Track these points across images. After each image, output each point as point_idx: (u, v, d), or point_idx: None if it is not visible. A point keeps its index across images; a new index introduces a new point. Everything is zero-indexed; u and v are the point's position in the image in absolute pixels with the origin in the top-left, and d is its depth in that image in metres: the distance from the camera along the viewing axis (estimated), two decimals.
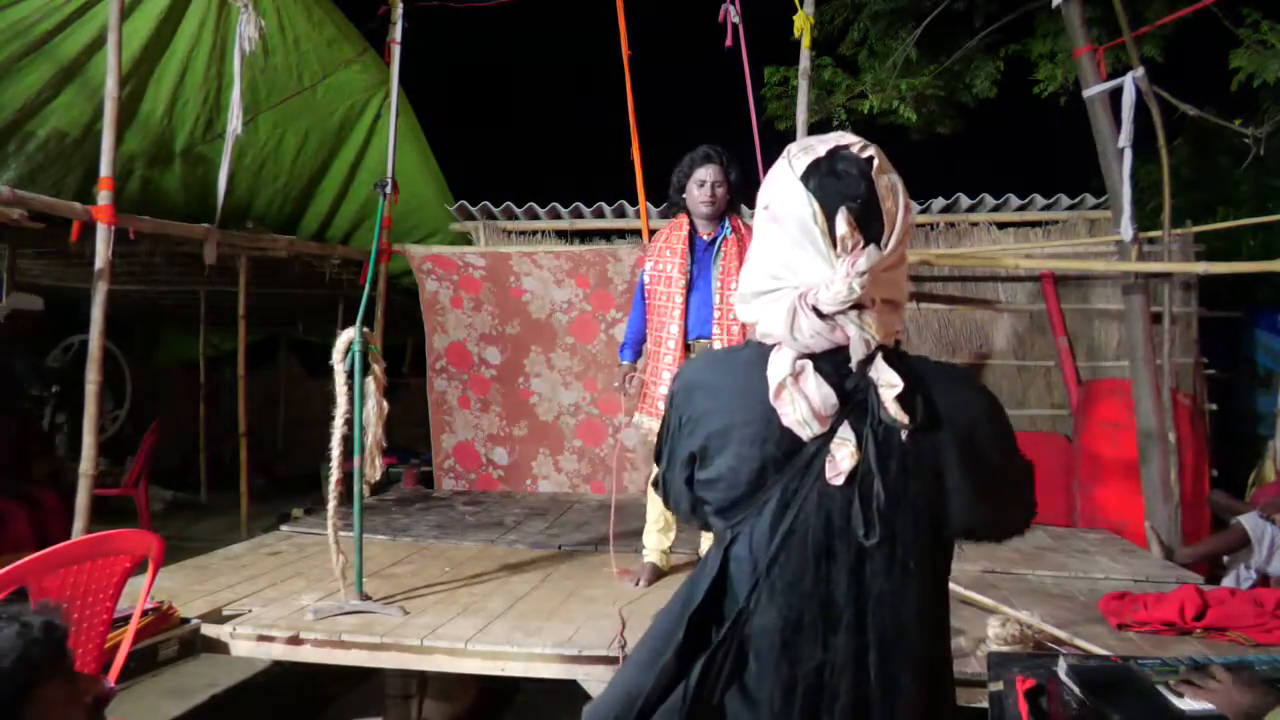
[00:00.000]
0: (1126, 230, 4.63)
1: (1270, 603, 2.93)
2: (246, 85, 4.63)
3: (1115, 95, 4.56)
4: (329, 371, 3.03)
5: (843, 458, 1.14)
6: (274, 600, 3.21)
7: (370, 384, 3.04)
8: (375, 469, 3.10)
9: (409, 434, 7.68)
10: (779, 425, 1.17)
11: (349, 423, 2.99)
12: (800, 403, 1.15)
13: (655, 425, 3.34)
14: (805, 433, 1.15)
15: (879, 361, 1.15)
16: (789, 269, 1.21)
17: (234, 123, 4.47)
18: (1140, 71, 4.50)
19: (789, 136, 5.25)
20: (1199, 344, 5.41)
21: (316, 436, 3.61)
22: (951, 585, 3.33)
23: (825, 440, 1.16)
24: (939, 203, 5.70)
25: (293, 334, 10.44)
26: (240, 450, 6.27)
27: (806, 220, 1.18)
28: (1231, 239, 7.08)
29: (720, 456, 1.21)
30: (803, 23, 4.73)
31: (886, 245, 1.17)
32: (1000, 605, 3.09)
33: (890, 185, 1.21)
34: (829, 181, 1.19)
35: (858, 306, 1.16)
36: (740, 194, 3.57)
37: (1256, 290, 6.87)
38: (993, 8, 7.15)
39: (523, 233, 6.09)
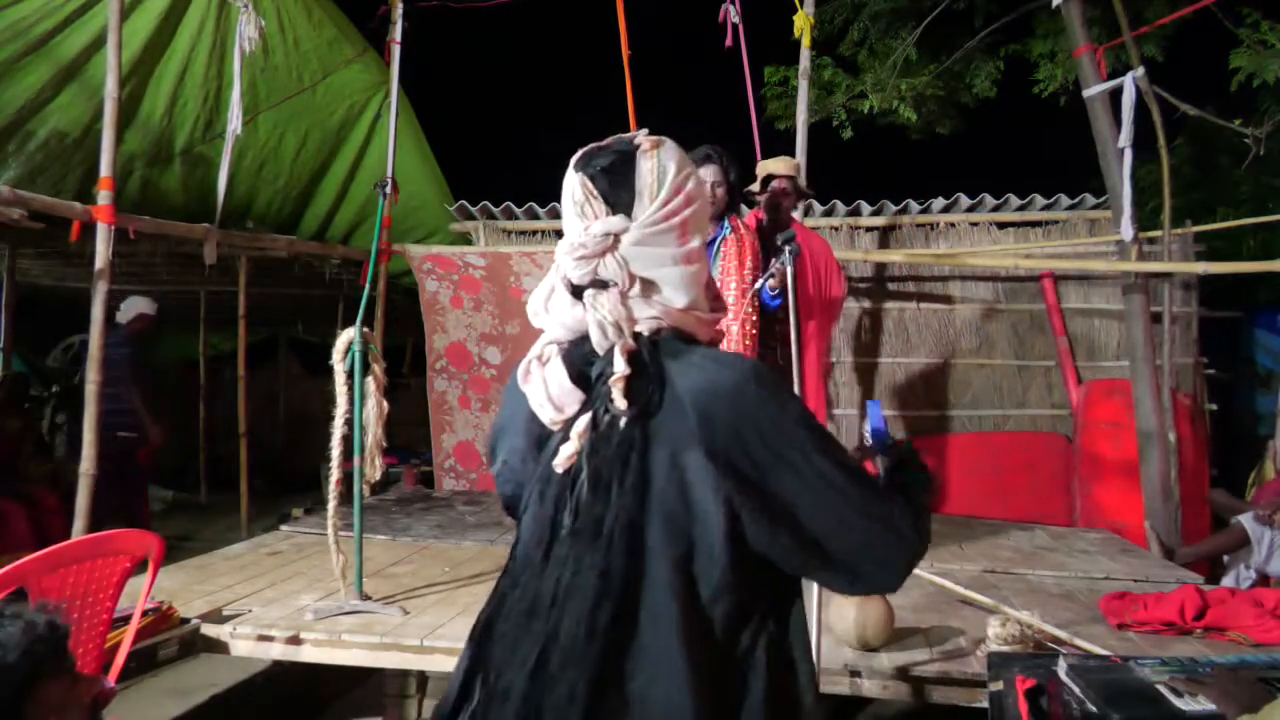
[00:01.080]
0: (1126, 230, 4.63)
1: (1270, 603, 2.93)
2: (246, 85, 4.63)
3: (1115, 95, 4.56)
4: (329, 371, 3.03)
5: (567, 445, 1.09)
6: (274, 600, 3.21)
7: (370, 384, 3.04)
8: (375, 469, 3.10)
9: (409, 434, 7.68)
10: (537, 420, 1.16)
11: (349, 423, 2.99)
12: (539, 388, 1.13)
13: None
14: (545, 418, 1.14)
15: (619, 350, 1.09)
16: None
17: (234, 123, 4.47)
18: (1140, 71, 4.50)
19: (789, 136, 5.25)
20: (1199, 344, 5.41)
21: (316, 436, 3.61)
22: (951, 585, 3.34)
23: (568, 428, 1.12)
24: (939, 203, 5.70)
25: (293, 334, 10.44)
26: (240, 450, 6.27)
27: (567, 196, 1.19)
28: (1231, 239, 7.09)
29: (500, 448, 1.24)
30: (803, 23, 4.74)
31: (637, 217, 1.13)
32: (1000, 605, 3.09)
33: (658, 166, 1.15)
34: (589, 161, 1.18)
35: (601, 286, 1.12)
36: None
37: (1256, 290, 6.88)
38: (993, 8, 7.15)
39: (523, 233, 6.09)
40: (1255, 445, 5.97)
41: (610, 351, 1.10)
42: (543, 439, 1.15)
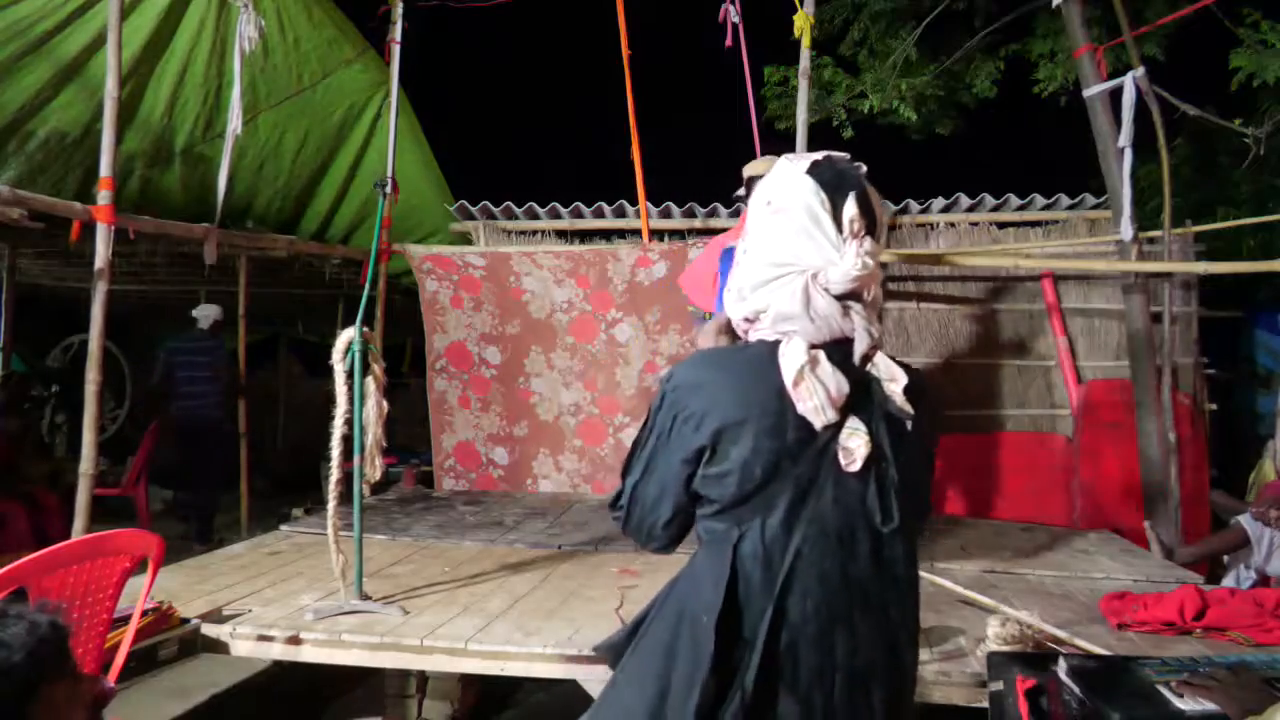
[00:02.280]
0: (1126, 230, 4.63)
1: (1270, 603, 2.93)
2: (246, 85, 4.63)
3: (1115, 95, 4.56)
4: (329, 371, 3.03)
5: (856, 446, 1.19)
6: (274, 600, 3.20)
7: (370, 384, 3.04)
8: (375, 469, 3.10)
9: (409, 434, 7.68)
10: (794, 414, 1.20)
11: (349, 423, 2.99)
12: (818, 389, 1.18)
13: None
14: (819, 420, 1.19)
15: (880, 355, 1.22)
16: (795, 255, 1.27)
17: (234, 122, 4.47)
18: (1140, 71, 4.50)
19: (789, 136, 5.25)
20: (1199, 344, 5.40)
21: (316, 436, 3.61)
22: (951, 585, 3.34)
23: (836, 430, 1.21)
24: (939, 203, 5.70)
25: (293, 334, 10.44)
26: (240, 450, 6.27)
27: (815, 206, 1.27)
28: (1231, 239, 7.09)
29: (735, 448, 1.21)
30: (803, 23, 4.73)
31: (879, 240, 1.30)
32: (1000, 605, 3.09)
33: (877, 195, 1.32)
34: (832, 175, 1.29)
35: (858, 298, 1.25)
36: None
37: (1256, 290, 6.88)
38: (993, 8, 7.15)
39: (523, 233, 6.09)
40: (1255, 445, 5.97)
41: (865, 358, 1.25)
42: (804, 440, 1.21)
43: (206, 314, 6.63)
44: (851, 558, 1.19)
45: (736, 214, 6.09)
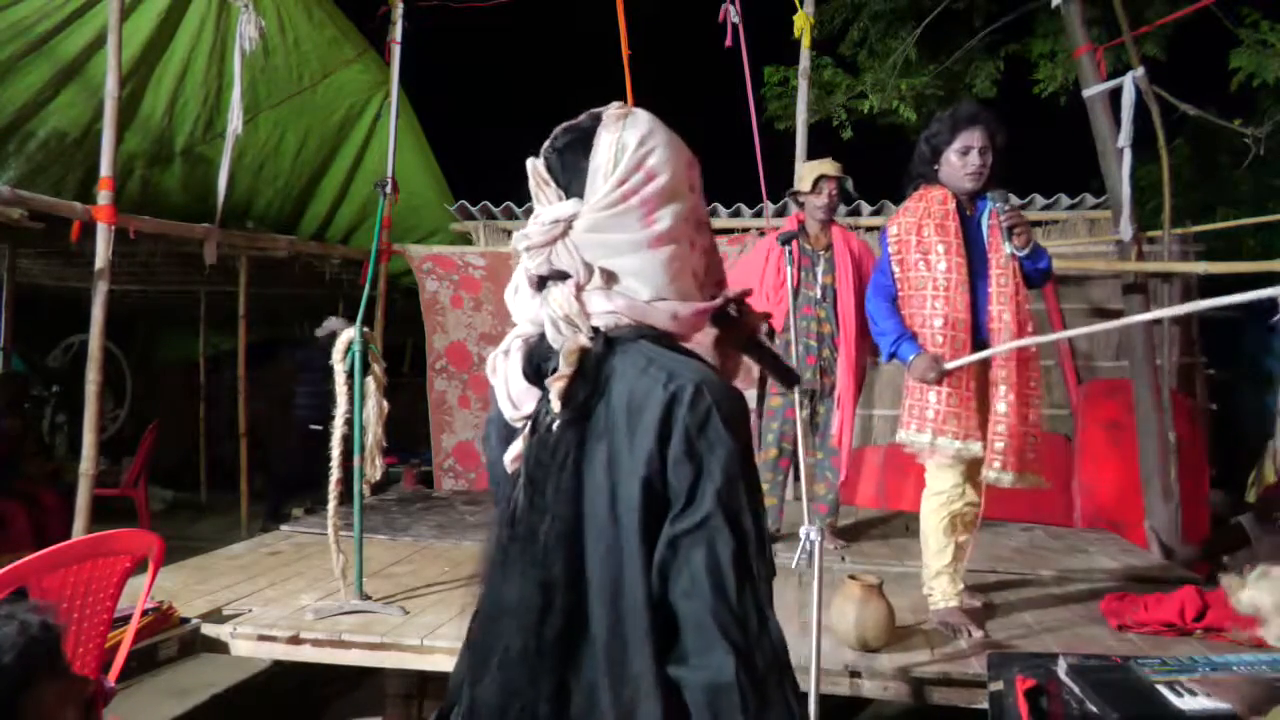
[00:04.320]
0: (1126, 230, 4.63)
1: None
2: (246, 85, 4.63)
3: (1115, 95, 4.56)
4: (329, 371, 3.03)
5: (514, 445, 1.02)
6: (274, 600, 3.21)
7: (370, 384, 3.04)
8: (375, 469, 3.10)
9: (409, 434, 7.68)
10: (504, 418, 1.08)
11: (349, 423, 2.99)
12: (501, 383, 1.05)
13: (927, 441, 2.93)
14: (507, 415, 1.05)
15: (564, 346, 0.98)
16: None
17: (234, 123, 4.48)
18: (1140, 71, 4.50)
19: (789, 136, 5.25)
20: (1199, 344, 5.40)
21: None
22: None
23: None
24: None
25: (292, 334, 10.44)
26: (240, 450, 6.27)
27: (529, 183, 1.10)
28: (1231, 239, 7.09)
29: (487, 444, 1.15)
30: (803, 23, 4.74)
31: (589, 200, 1.01)
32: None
33: (618, 141, 1.02)
34: (552, 141, 1.09)
35: (561, 277, 1.01)
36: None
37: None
38: (993, 8, 7.15)
39: None
40: (1255, 445, 5.97)
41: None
42: (511, 436, 1.05)
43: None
44: (498, 565, 1.01)
45: (736, 214, 6.10)
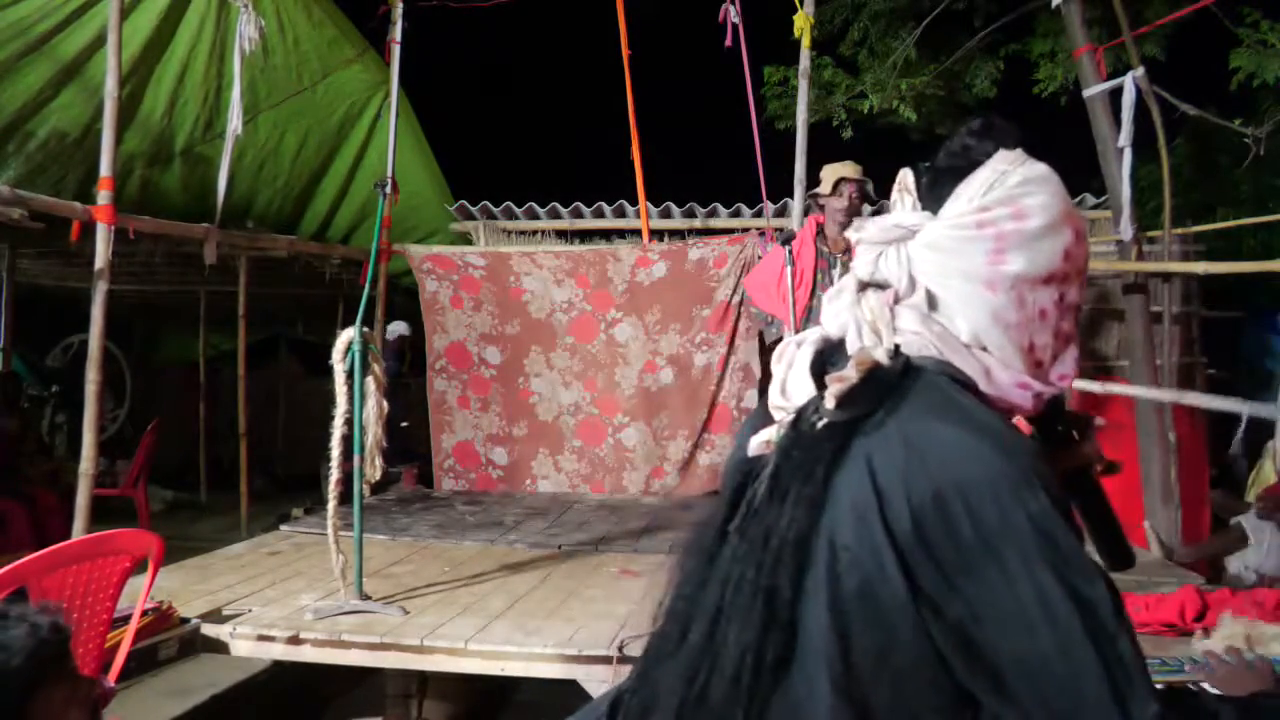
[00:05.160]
0: (1126, 230, 4.63)
1: (1270, 603, 2.92)
2: (246, 85, 4.63)
3: (1115, 95, 4.56)
4: (329, 371, 3.03)
5: (766, 430, 0.95)
6: (274, 600, 3.21)
7: (370, 384, 3.04)
8: (375, 469, 3.10)
9: (409, 434, 7.68)
10: (765, 412, 1.02)
11: (349, 423, 2.99)
12: (781, 369, 0.99)
13: None
14: (771, 403, 0.99)
15: (858, 353, 0.95)
16: None
17: (234, 123, 4.47)
18: (1140, 71, 4.50)
19: (789, 136, 5.25)
20: (1199, 344, 5.40)
21: (316, 436, 3.61)
22: None
23: None
24: None
25: (293, 334, 10.44)
26: (240, 450, 6.27)
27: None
28: (1231, 239, 7.08)
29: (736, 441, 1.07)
30: (803, 23, 4.74)
31: (942, 215, 0.97)
32: None
33: (998, 173, 0.96)
34: (937, 156, 1.04)
35: (880, 288, 0.97)
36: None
37: (1256, 290, 6.88)
38: (993, 8, 7.15)
39: (523, 233, 6.10)
40: (1255, 445, 5.96)
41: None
42: (764, 426, 0.97)
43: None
44: (708, 552, 0.93)
45: (736, 214, 6.09)
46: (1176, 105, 4.88)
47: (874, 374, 0.88)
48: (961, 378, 0.90)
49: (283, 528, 4.55)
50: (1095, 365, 5.54)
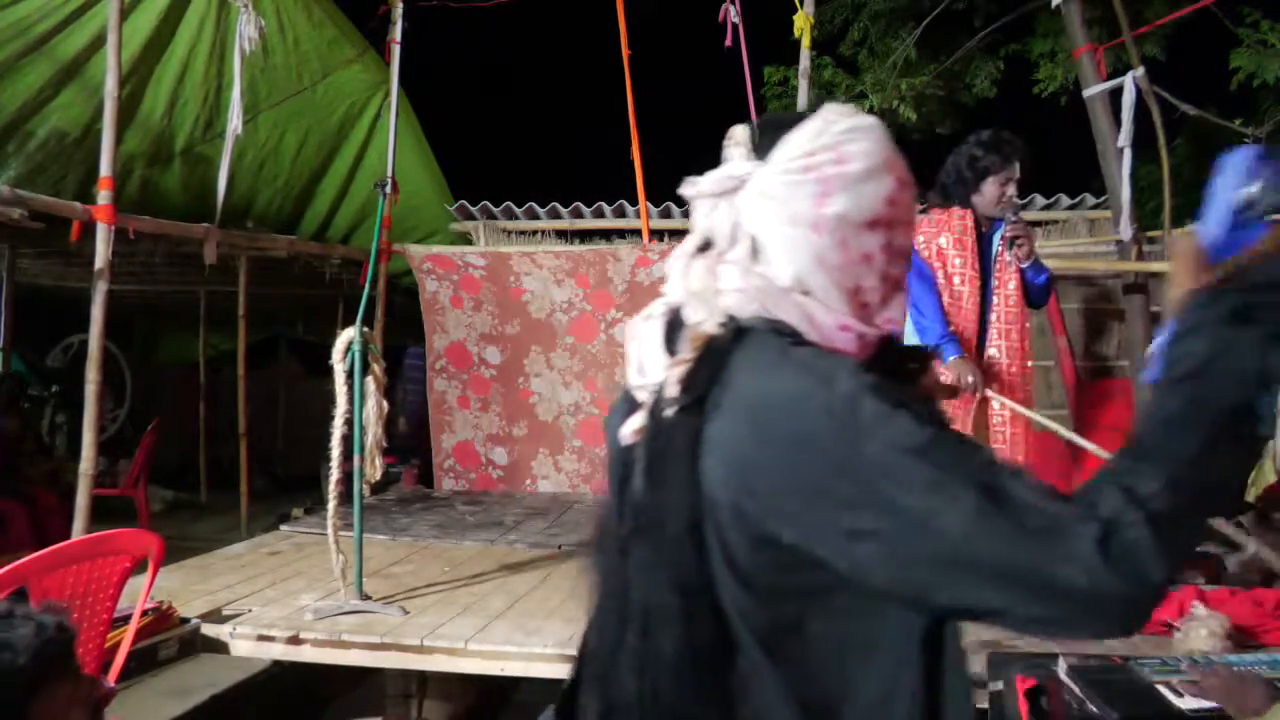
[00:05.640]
0: (1125, 230, 4.63)
1: (1270, 603, 2.93)
2: (246, 85, 4.63)
3: (1115, 95, 4.56)
4: (329, 371, 3.03)
5: (637, 417, 0.94)
6: (274, 600, 3.21)
7: (370, 384, 3.04)
8: (375, 469, 3.10)
9: (408, 434, 7.68)
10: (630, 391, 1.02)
11: (349, 423, 2.99)
12: (636, 347, 0.99)
13: None
14: (631, 380, 0.99)
15: (689, 330, 0.94)
16: None
17: (234, 123, 4.47)
18: (1140, 71, 4.50)
19: None
20: None
21: (316, 436, 3.61)
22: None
23: None
24: None
25: (293, 334, 10.44)
26: (240, 450, 6.27)
27: None
28: None
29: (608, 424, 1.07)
30: (803, 23, 4.74)
31: (768, 162, 0.97)
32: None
33: (825, 122, 0.98)
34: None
35: (703, 249, 0.98)
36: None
37: None
38: (993, 8, 7.16)
39: (523, 233, 6.09)
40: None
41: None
42: (634, 408, 0.96)
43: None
44: (615, 556, 0.94)
45: None
46: (1176, 105, 4.88)
47: (709, 349, 0.89)
48: (789, 330, 0.91)
49: (283, 528, 4.55)
50: (1095, 365, 5.55)
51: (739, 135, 1.00)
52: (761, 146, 0.97)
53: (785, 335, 0.91)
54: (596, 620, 0.96)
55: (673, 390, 0.89)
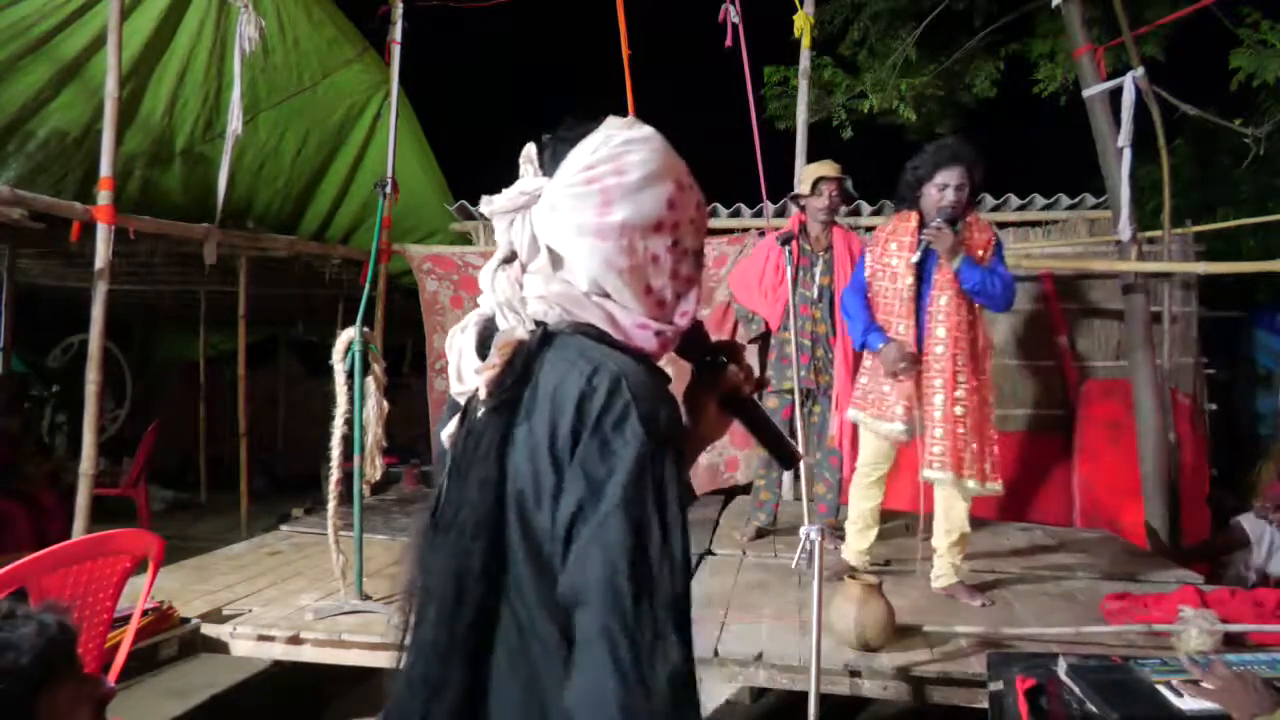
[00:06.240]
0: (1125, 230, 4.63)
1: (1270, 603, 2.93)
2: (246, 85, 4.63)
3: (1115, 95, 4.56)
4: (329, 371, 3.03)
5: (451, 424, 1.01)
6: (274, 600, 3.21)
7: (370, 384, 3.04)
8: (375, 469, 3.10)
9: (409, 434, 7.68)
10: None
11: (349, 423, 2.99)
12: (454, 357, 1.04)
13: (870, 423, 3.42)
14: (453, 389, 1.03)
15: (499, 336, 0.99)
16: None
17: (234, 123, 4.47)
18: (1140, 71, 4.50)
19: (789, 136, 5.25)
20: (1199, 344, 5.41)
21: (316, 436, 3.60)
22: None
23: None
24: None
25: (293, 334, 10.44)
26: (240, 450, 6.27)
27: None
28: (1231, 239, 7.08)
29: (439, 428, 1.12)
30: (803, 23, 4.74)
31: (554, 176, 1.02)
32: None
33: (604, 137, 1.02)
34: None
35: (508, 260, 1.03)
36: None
37: (1256, 290, 6.88)
38: (993, 8, 7.15)
39: None
40: (1255, 445, 5.97)
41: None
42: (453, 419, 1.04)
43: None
44: (424, 549, 0.99)
45: (736, 214, 6.10)
46: (1176, 105, 4.88)
47: (517, 354, 0.96)
48: (593, 332, 0.98)
49: (283, 528, 4.55)
50: (1095, 365, 5.55)
51: (529, 153, 1.07)
52: (548, 162, 1.04)
53: (590, 337, 0.98)
54: (410, 609, 1.00)
55: (482, 394, 0.95)
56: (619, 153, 1.00)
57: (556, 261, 1.01)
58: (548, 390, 0.93)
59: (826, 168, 3.91)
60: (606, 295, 1.00)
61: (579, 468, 0.88)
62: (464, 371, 1.02)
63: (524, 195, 1.03)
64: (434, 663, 0.93)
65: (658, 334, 1.02)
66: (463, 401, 1.01)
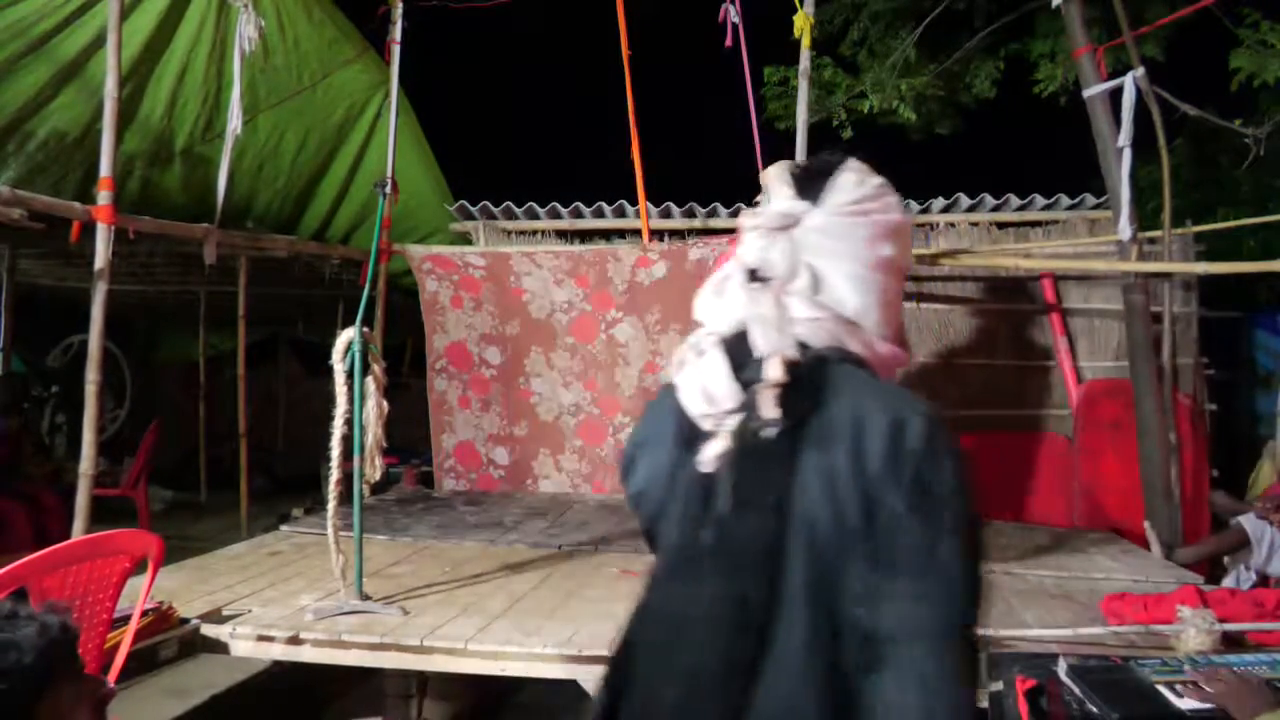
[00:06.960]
0: (1125, 230, 4.62)
1: (1270, 603, 2.92)
2: (246, 85, 4.63)
3: (1115, 95, 4.56)
4: (329, 371, 3.03)
5: (716, 443, 0.98)
6: (274, 600, 3.21)
7: (370, 384, 3.04)
8: (375, 469, 3.10)
9: (409, 434, 7.67)
10: (687, 418, 1.04)
11: (349, 423, 2.99)
12: (693, 379, 1.01)
13: None
14: (697, 410, 1.01)
15: (770, 355, 0.97)
16: None
17: (234, 123, 4.47)
18: (1140, 71, 4.50)
19: (789, 136, 5.24)
20: (1199, 344, 5.40)
21: (316, 436, 3.60)
22: None
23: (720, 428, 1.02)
24: (939, 203, 5.70)
25: (293, 334, 10.45)
26: (240, 450, 6.27)
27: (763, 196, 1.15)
28: (1231, 239, 7.09)
29: (640, 465, 1.10)
30: (803, 23, 4.73)
31: (821, 204, 1.04)
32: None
33: (861, 177, 1.08)
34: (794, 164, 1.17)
35: (765, 281, 1.02)
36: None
37: (1256, 290, 6.88)
38: (993, 8, 7.15)
39: (523, 233, 6.09)
40: (1255, 445, 5.96)
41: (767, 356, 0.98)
42: (693, 443, 0.99)
43: None
44: (682, 575, 0.97)
45: (736, 214, 6.09)
46: (1176, 105, 4.88)
47: (795, 372, 0.95)
48: (855, 358, 1.00)
49: (283, 528, 4.55)
50: (1095, 365, 5.54)
51: (783, 175, 1.10)
52: (807, 189, 1.07)
53: (854, 364, 0.99)
54: (660, 636, 0.98)
55: (770, 412, 0.93)
56: (881, 193, 1.07)
57: (817, 285, 1.02)
58: (844, 419, 0.92)
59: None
60: (866, 324, 1.03)
61: (911, 515, 0.89)
62: (717, 392, 0.99)
63: (788, 216, 1.05)
64: (711, 690, 0.91)
65: (900, 362, 1.07)
66: (708, 424, 0.99)
